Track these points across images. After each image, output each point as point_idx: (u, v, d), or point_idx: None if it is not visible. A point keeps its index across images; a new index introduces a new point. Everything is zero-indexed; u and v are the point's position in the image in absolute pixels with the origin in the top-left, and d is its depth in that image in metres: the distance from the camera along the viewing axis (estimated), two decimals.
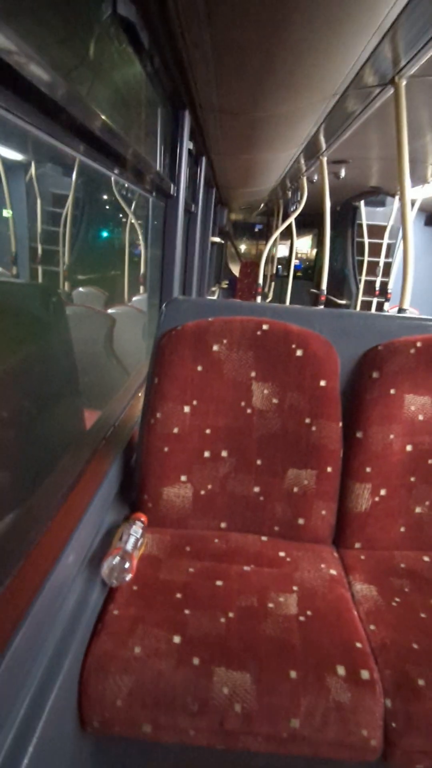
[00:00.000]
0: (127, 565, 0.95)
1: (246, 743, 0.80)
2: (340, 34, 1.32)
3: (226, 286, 7.80)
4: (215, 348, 1.18)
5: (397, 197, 4.47)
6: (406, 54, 1.57)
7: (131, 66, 1.38)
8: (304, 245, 7.56)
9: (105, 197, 4.97)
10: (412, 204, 3.73)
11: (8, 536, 0.81)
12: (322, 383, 1.17)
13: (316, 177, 3.70)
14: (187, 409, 1.18)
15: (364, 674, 0.83)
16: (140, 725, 0.80)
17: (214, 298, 5.54)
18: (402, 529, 1.19)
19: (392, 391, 1.16)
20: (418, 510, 1.18)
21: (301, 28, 1.28)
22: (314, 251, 7.52)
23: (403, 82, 1.73)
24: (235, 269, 8.04)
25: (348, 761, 0.82)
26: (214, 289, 6.43)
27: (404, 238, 1.83)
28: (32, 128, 0.76)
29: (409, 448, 1.17)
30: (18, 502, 0.91)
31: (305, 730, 0.79)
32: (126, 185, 4.28)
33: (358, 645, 0.88)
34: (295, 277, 5.88)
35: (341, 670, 0.83)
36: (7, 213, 4.05)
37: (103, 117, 0.93)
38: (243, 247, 8.26)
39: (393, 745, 0.80)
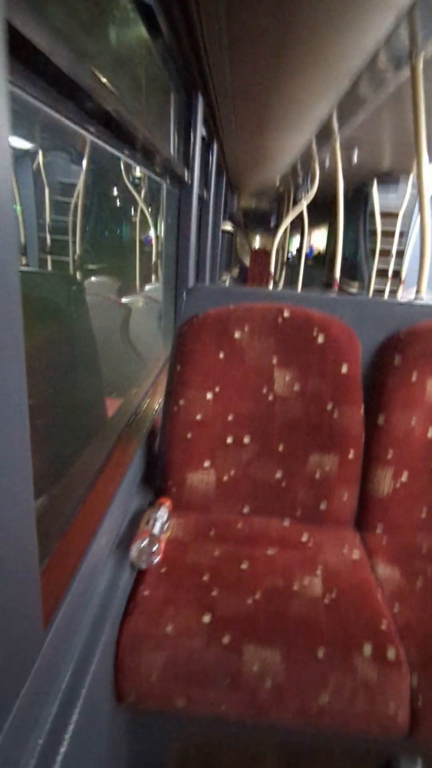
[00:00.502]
0: (155, 548, 0.97)
1: (276, 717, 0.82)
2: (356, 15, 1.30)
3: (237, 272, 7.76)
4: (237, 335, 1.18)
5: (410, 181, 4.40)
6: (424, 34, 1.53)
7: (147, 49, 1.37)
8: (319, 241, 7.35)
9: (115, 185, 4.94)
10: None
11: (44, 517, 0.83)
12: (344, 369, 1.17)
13: (328, 161, 3.65)
14: (209, 396, 1.19)
15: (390, 653, 0.85)
16: (174, 699, 0.83)
17: (226, 285, 5.52)
18: (424, 513, 1.19)
19: (414, 377, 1.16)
20: None
21: (316, 9, 1.26)
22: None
23: (421, 63, 1.69)
24: (245, 257, 7.98)
25: (375, 737, 0.85)
26: (225, 277, 6.41)
27: (422, 220, 1.80)
28: (49, 109, 0.76)
29: (430, 433, 1.18)
30: (51, 485, 0.93)
31: (334, 705, 0.81)
32: (136, 172, 4.25)
33: (383, 625, 0.90)
34: (306, 264, 5.83)
35: (367, 650, 0.85)
36: (17, 207, 4.04)
37: (118, 98, 0.92)
38: (257, 239, 8.12)
39: (419, 722, 0.82)
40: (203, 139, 2.43)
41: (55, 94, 0.73)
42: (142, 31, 1.19)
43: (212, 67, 1.67)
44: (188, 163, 1.88)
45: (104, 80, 0.83)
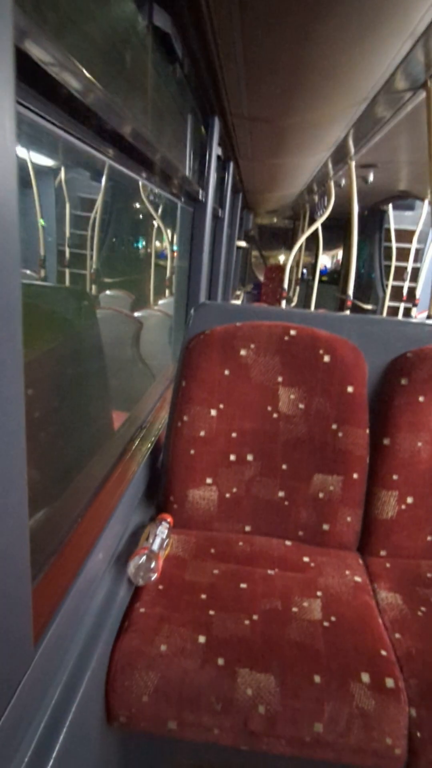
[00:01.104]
0: (153, 564, 0.97)
1: (269, 745, 0.80)
2: (372, 40, 1.32)
3: (250, 289, 7.80)
4: (243, 352, 1.19)
5: (426, 201, 4.40)
6: None
7: (164, 74, 1.41)
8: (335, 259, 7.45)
9: (132, 202, 5.05)
10: None
11: (42, 531, 0.83)
12: (350, 389, 1.16)
13: (343, 181, 3.68)
14: (213, 412, 1.19)
15: (389, 682, 0.82)
16: (166, 722, 0.81)
17: (239, 302, 5.55)
18: (429, 538, 1.17)
19: (421, 399, 1.15)
20: None
21: (333, 34, 1.29)
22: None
23: None
24: (260, 274, 8.03)
25: None
26: (238, 293, 6.44)
27: None
28: (68, 135, 0.79)
29: None
30: (52, 498, 0.94)
31: (329, 735, 0.79)
32: (153, 190, 4.34)
33: (383, 653, 0.88)
34: (320, 281, 5.84)
35: (366, 677, 0.83)
36: (40, 221, 4.15)
37: (135, 123, 0.95)
38: (272, 256, 8.19)
39: (417, 754, 0.79)
40: (219, 158, 2.48)
41: (71, 118, 0.76)
42: (160, 57, 1.23)
43: (228, 92, 1.71)
44: (203, 183, 1.91)
45: (121, 109, 0.86)
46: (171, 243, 4.62)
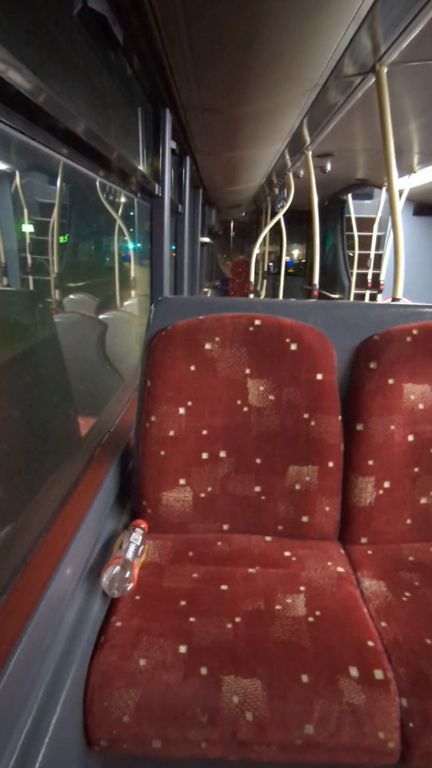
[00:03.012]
0: (127, 574, 0.92)
1: (260, 753, 0.77)
2: (317, 24, 1.30)
3: (218, 285, 7.78)
4: (207, 346, 1.15)
5: (384, 188, 4.46)
6: (385, 41, 1.55)
7: (107, 63, 1.36)
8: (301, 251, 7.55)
9: (91, 203, 4.94)
10: (400, 194, 3.72)
11: (4, 549, 0.78)
12: (319, 377, 1.14)
13: (302, 172, 3.69)
14: (182, 410, 1.15)
15: (378, 674, 0.80)
16: (149, 741, 0.77)
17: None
18: (408, 521, 1.16)
19: (391, 381, 1.14)
20: (423, 501, 1.16)
21: (278, 19, 1.26)
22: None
23: (384, 70, 1.71)
24: (226, 269, 8.02)
25: (366, 766, 0.80)
26: (206, 289, 6.41)
27: (394, 229, 1.81)
28: (10, 129, 0.74)
29: (410, 438, 1.15)
30: (12, 515, 0.88)
31: (320, 736, 0.76)
32: (112, 189, 4.26)
33: (370, 644, 0.86)
34: (287, 273, 5.86)
35: (354, 671, 0.80)
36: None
37: (82, 118, 0.90)
38: (237, 252, 8.21)
39: (411, 745, 0.77)
40: (174, 153, 2.43)
41: (17, 114, 0.71)
42: (99, 44, 1.18)
43: (177, 82, 1.66)
44: (158, 177, 1.86)
45: (65, 101, 0.81)
46: (134, 243, 4.55)
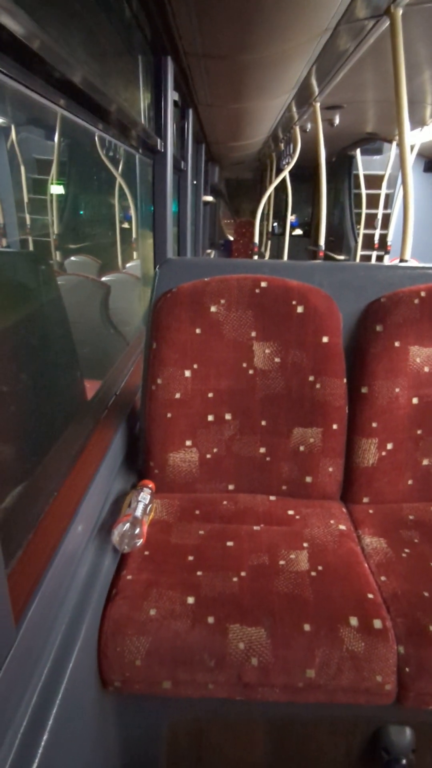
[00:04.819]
0: (137, 530, 0.95)
1: (264, 694, 0.82)
2: None
3: (221, 246, 7.62)
4: (213, 309, 1.14)
5: (394, 143, 4.28)
6: None
7: (105, 7, 1.28)
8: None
9: (91, 160, 4.78)
10: (411, 149, 3.57)
11: (17, 509, 0.80)
12: (325, 339, 1.14)
13: (309, 126, 3.54)
14: (188, 373, 1.15)
15: (377, 623, 0.84)
16: (160, 682, 0.82)
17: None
18: (410, 482, 1.19)
19: (397, 344, 1.13)
20: (425, 462, 1.18)
21: None
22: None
23: (399, 12, 1.60)
24: (229, 231, 7.83)
25: (364, 705, 0.85)
26: (209, 251, 6.28)
27: (404, 185, 1.75)
28: (8, 79, 0.71)
29: (415, 400, 1.16)
30: (24, 474, 0.90)
31: (321, 679, 0.81)
32: (112, 146, 4.11)
33: (370, 596, 0.89)
34: (291, 234, 5.73)
35: (354, 621, 0.84)
36: None
37: (79, 66, 0.86)
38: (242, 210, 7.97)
39: (406, 688, 0.82)
40: (177, 105, 2.33)
41: (16, 64, 0.68)
42: None
43: (180, 28, 1.57)
44: (161, 131, 1.79)
45: (64, 49, 0.77)
46: (135, 202, 4.43)
